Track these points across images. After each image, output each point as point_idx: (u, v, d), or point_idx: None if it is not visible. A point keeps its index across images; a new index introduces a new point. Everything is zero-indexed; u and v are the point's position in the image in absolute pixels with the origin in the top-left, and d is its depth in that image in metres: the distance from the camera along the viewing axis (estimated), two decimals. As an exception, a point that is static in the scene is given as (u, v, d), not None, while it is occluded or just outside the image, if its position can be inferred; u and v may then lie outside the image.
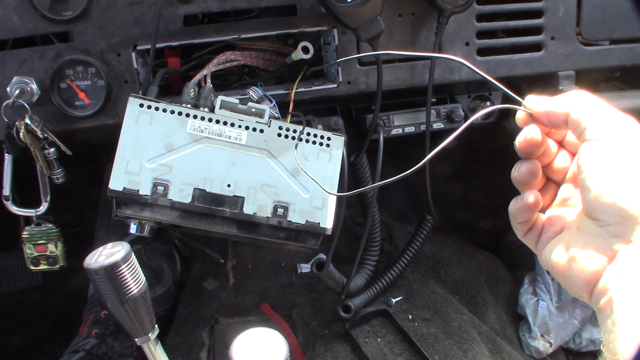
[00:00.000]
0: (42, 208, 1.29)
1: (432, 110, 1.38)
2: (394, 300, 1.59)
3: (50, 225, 1.32)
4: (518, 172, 0.73)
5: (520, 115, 0.72)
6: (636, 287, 0.57)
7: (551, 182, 0.76)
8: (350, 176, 1.24)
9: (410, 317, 1.61)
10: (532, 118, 0.71)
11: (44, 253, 1.33)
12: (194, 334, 1.59)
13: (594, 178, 0.62)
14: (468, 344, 1.55)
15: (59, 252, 1.34)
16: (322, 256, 1.74)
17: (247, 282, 1.75)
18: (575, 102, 0.67)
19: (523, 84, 1.44)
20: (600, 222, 0.62)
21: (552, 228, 0.72)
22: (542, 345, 1.77)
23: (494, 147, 2.15)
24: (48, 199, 1.28)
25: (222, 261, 1.76)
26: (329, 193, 1.08)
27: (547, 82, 1.41)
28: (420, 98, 1.43)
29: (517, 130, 0.73)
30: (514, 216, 0.74)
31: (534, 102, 0.70)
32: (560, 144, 0.75)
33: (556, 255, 0.68)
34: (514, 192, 0.75)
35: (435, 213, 1.56)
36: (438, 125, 1.40)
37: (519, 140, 0.71)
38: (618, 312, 0.58)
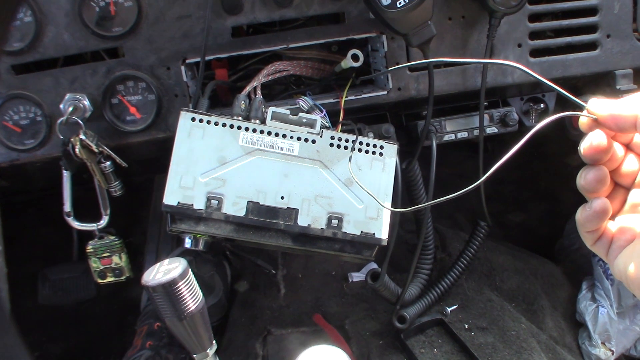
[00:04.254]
0: (103, 221, 1.31)
1: (485, 115, 1.34)
2: (449, 310, 1.55)
3: (112, 238, 1.35)
4: (585, 179, 0.69)
5: (584, 120, 0.68)
6: None
7: (619, 187, 0.72)
8: (402, 183, 1.22)
9: (466, 326, 1.56)
10: (597, 123, 0.67)
11: (109, 265, 1.36)
12: (247, 346, 1.58)
13: None
14: (527, 353, 1.50)
15: (123, 263, 1.37)
16: (374, 265, 1.72)
17: (298, 292, 1.74)
18: None
19: (579, 84, 1.39)
20: None
21: (623, 237, 0.68)
22: (603, 353, 1.71)
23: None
24: (108, 212, 1.30)
25: (274, 272, 1.75)
26: (385, 208, 1.06)
27: (603, 82, 1.36)
28: (472, 102, 1.39)
29: (579, 133, 0.69)
30: (581, 225, 0.71)
31: (598, 106, 0.66)
32: (628, 147, 0.70)
33: (632, 268, 0.64)
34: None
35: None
36: (492, 130, 1.36)
37: (584, 147, 0.67)
38: None
